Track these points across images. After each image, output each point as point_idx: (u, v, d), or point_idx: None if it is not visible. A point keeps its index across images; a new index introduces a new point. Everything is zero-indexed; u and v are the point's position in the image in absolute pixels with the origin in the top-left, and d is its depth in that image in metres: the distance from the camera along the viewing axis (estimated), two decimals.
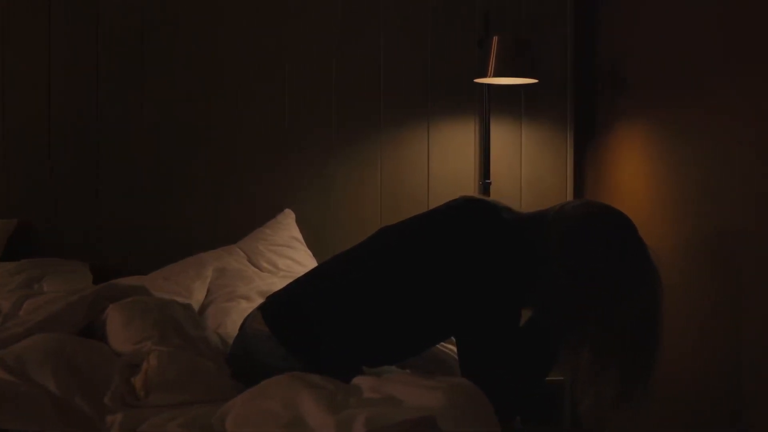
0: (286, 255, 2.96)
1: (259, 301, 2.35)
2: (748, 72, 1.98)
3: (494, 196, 3.10)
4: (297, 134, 3.20)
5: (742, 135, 2.01)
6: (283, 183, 3.19)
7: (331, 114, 3.20)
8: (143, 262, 3.03)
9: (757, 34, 1.95)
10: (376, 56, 3.21)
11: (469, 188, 3.19)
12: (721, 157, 2.12)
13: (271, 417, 1.37)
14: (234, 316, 2.40)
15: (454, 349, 1.92)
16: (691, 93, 2.31)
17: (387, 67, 3.21)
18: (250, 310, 2.02)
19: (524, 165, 3.25)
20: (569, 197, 3.21)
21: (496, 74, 2.88)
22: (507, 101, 3.22)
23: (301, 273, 2.12)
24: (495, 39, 2.89)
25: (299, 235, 3.08)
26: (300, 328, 1.83)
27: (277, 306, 1.91)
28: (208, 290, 2.69)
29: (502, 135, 3.23)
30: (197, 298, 2.62)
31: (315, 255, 3.00)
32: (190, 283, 2.66)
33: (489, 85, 3.11)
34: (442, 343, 2.12)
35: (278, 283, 2.47)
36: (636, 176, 2.75)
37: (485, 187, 3.13)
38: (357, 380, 1.56)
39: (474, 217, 1.82)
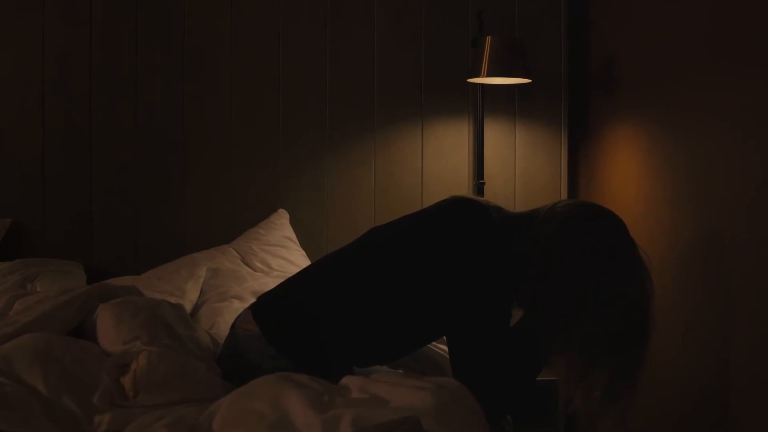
0: (280, 255, 2.96)
1: (252, 301, 2.35)
2: (739, 72, 1.98)
3: (488, 196, 3.10)
4: (291, 134, 3.20)
5: (733, 135, 2.01)
6: (276, 183, 3.19)
7: (325, 114, 3.20)
8: (137, 262, 3.04)
9: (748, 34, 1.95)
10: (369, 56, 3.21)
11: (463, 188, 3.20)
12: (712, 157, 2.12)
13: (257, 417, 1.37)
14: (227, 316, 2.40)
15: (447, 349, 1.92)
16: (683, 93, 2.31)
17: (381, 66, 3.21)
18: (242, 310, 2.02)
19: (518, 165, 3.25)
20: (563, 197, 3.22)
21: (489, 74, 2.88)
22: (501, 101, 3.22)
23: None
24: (488, 39, 2.89)
25: (293, 235, 3.08)
26: (289, 327, 1.83)
27: (266, 306, 1.91)
28: (202, 290, 2.68)
29: (496, 135, 3.23)
30: (190, 299, 2.61)
31: (309, 255, 3.00)
32: (183, 284, 2.66)
33: (483, 85, 3.11)
34: (436, 344, 2.13)
35: (271, 284, 2.47)
36: (629, 176, 2.75)
37: (479, 187, 3.13)
38: (345, 380, 1.57)
39: (463, 216, 1.82)
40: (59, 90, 3.12)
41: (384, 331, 1.85)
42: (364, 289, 1.84)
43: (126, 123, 3.14)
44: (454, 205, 1.88)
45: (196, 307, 2.60)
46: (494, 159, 3.22)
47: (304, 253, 3.02)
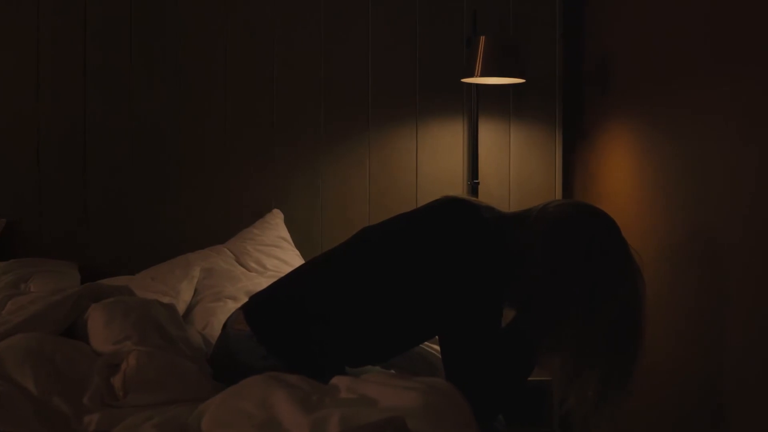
0: (274, 255, 2.97)
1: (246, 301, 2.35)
2: (734, 72, 1.98)
3: (482, 196, 3.11)
4: (285, 134, 3.20)
5: (727, 135, 2.01)
6: (271, 183, 3.19)
7: (320, 113, 3.20)
8: (132, 262, 3.04)
9: (743, 33, 1.95)
10: (364, 55, 3.21)
11: (458, 188, 3.20)
12: (706, 157, 2.12)
13: (245, 417, 1.37)
14: (220, 316, 2.40)
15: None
16: (678, 93, 2.31)
17: (375, 66, 3.21)
18: None
19: (513, 165, 3.25)
20: (558, 197, 3.22)
21: (483, 74, 2.88)
22: (496, 101, 3.22)
23: None
24: (482, 39, 2.89)
25: (287, 235, 3.08)
26: (280, 327, 1.83)
27: (257, 306, 1.91)
28: (196, 290, 2.68)
29: (490, 134, 3.23)
30: (184, 299, 2.62)
31: (303, 255, 3.00)
32: (177, 284, 2.66)
33: (477, 85, 3.11)
34: (429, 344, 2.13)
35: (265, 284, 2.47)
36: (623, 175, 2.75)
37: (473, 187, 3.13)
38: (335, 380, 1.57)
39: (454, 216, 1.82)
40: (54, 90, 3.12)
41: (375, 331, 1.85)
42: (355, 289, 1.84)
43: (121, 123, 3.14)
44: (445, 204, 1.88)
45: (190, 307, 2.60)
46: (489, 159, 3.22)
47: (298, 253, 3.02)
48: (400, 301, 1.81)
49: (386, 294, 1.82)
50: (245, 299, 2.43)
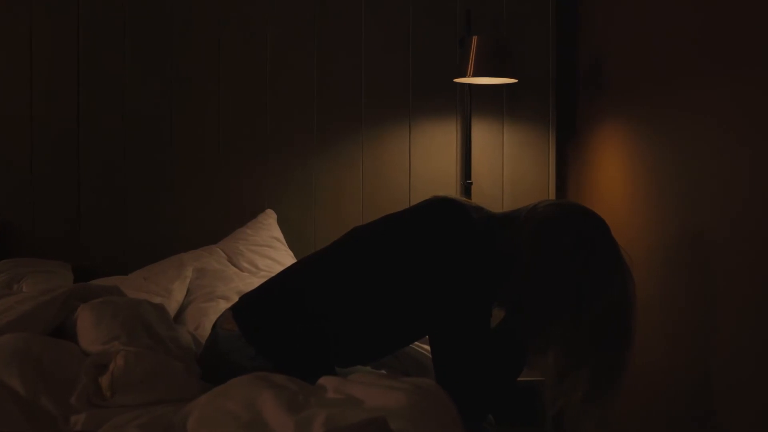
0: (267, 255, 2.97)
1: None
2: (726, 73, 1.98)
3: (476, 196, 3.11)
4: (279, 134, 3.20)
5: (720, 135, 2.01)
6: (264, 183, 3.19)
7: (313, 114, 3.20)
8: (125, 262, 3.04)
9: (736, 34, 1.95)
10: (357, 55, 3.21)
11: (451, 188, 3.20)
12: (699, 157, 2.12)
13: (231, 417, 1.37)
14: (213, 316, 2.40)
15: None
16: (671, 93, 2.31)
17: (368, 66, 3.21)
18: None
19: (506, 165, 3.25)
20: (551, 197, 3.22)
21: (476, 74, 2.88)
22: (489, 101, 3.22)
23: None
24: (474, 39, 2.89)
25: (280, 236, 3.08)
26: (269, 327, 1.83)
27: (246, 305, 1.91)
28: (188, 290, 2.68)
29: (483, 135, 3.23)
30: (177, 299, 2.61)
31: (296, 255, 3.01)
32: (169, 284, 2.66)
33: (470, 85, 3.11)
34: (419, 344, 2.13)
35: (257, 284, 2.46)
36: (616, 175, 2.75)
37: (467, 188, 3.12)
38: (322, 380, 1.56)
39: (442, 216, 1.82)
40: (47, 89, 3.12)
41: (365, 331, 1.85)
42: (344, 289, 1.83)
43: (114, 123, 3.14)
44: (434, 205, 1.87)
45: (183, 308, 2.60)
46: (482, 159, 3.22)
47: (291, 253, 3.02)
48: (390, 301, 1.81)
49: (375, 294, 1.82)
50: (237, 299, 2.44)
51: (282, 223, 3.13)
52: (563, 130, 3.25)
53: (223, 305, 2.49)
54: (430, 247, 1.78)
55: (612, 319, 1.78)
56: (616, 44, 2.79)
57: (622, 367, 1.80)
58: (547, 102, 3.24)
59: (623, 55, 2.72)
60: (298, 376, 1.60)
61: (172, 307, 2.54)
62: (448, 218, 1.81)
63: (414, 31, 3.22)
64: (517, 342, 1.81)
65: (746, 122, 1.88)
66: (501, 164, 3.25)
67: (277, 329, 1.82)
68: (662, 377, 2.29)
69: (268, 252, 2.98)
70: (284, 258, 2.97)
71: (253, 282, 2.68)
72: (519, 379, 1.85)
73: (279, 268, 2.80)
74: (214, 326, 1.93)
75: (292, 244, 3.08)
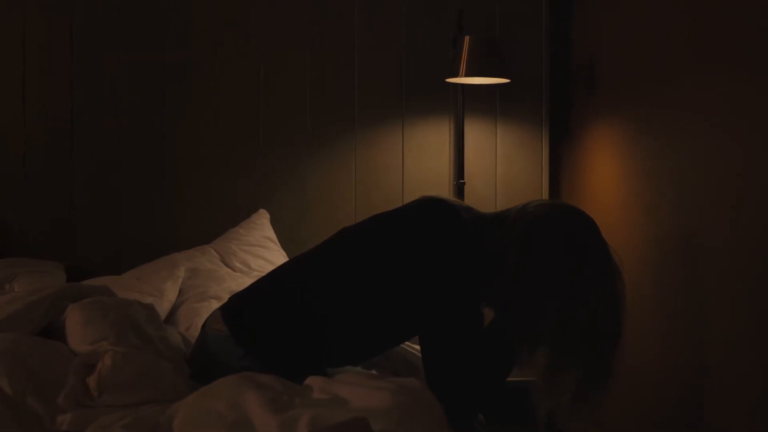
0: (260, 255, 2.96)
1: None
2: (719, 72, 1.98)
3: (469, 196, 3.11)
4: (272, 134, 3.19)
5: (713, 135, 2.01)
6: (257, 183, 3.19)
7: (306, 114, 3.20)
8: (119, 262, 3.03)
9: (728, 34, 1.95)
10: (350, 55, 3.21)
11: (444, 188, 3.20)
12: (692, 157, 2.12)
13: (216, 417, 1.37)
14: (205, 316, 2.37)
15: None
16: (664, 93, 2.31)
17: (361, 66, 3.21)
18: None
19: (499, 165, 3.25)
20: (544, 197, 3.22)
21: (468, 74, 2.88)
22: (482, 100, 3.22)
23: None
24: (466, 39, 2.89)
25: (273, 236, 3.08)
26: (257, 328, 1.83)
27: (235, 306, 1.91)
28: (181, 290, 2.68)
29: (476, 135, 3.23)
30: (169, 299, 2.61)
31: (289, 255, 3.00)
32: (162, 284, 2.65)
33: (463, 85, 3.11)
34: (409, 344, 2.12)
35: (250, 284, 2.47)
36: (610, 175, 2.75)
37: (459, 188, 3.12)
38: (309, 380, 1.56)
39: (432, 216, 1.82)
40: (41, 87, 3.11)
41: (354, 331, 1.84)
42: (333, 289, 1.83)
43: (108, 122, 3.14)
44: (423, 204, 1.87)
45: (175, 308, 2.59)
46: (475, 159, 3.22)
47: (284, 253, 3.02)
48: (380, 300, 1.81)
49: (366, 293, 1.81)
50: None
51: (275, 224, 3.12)
52: (556, 130, 3.25)
53: (216, 305, 2.47)
54: (420, 247, 1.78)
55: (602, 320, 1.78)
56: (610, 44, 2.79)
57: (612, 367, 1.80)
58: (540, 102, 3.24)
59: (616, 55, 2.72)
60: (288, 377, 1.60)
61: (165, 308, 2.54)
62: (438, 218, 1.81)
63: (407, 31, 3.22)
64: (506, 342, 1.81)
65: (739, 123, 1.88)
66: (494, 164, 3.25)
67: (268, 328, 1.82)
68: (654, 377, 2.29)
69: (260, 252, 2.97)
70: (277, 258, 2.96)
71: (246, 282, 2.67)
72: (509, 379, 1.85)
73: (271, 269, 2.81)
74: (204, 326, 1.93)
75: (285, 244, 3.07)
